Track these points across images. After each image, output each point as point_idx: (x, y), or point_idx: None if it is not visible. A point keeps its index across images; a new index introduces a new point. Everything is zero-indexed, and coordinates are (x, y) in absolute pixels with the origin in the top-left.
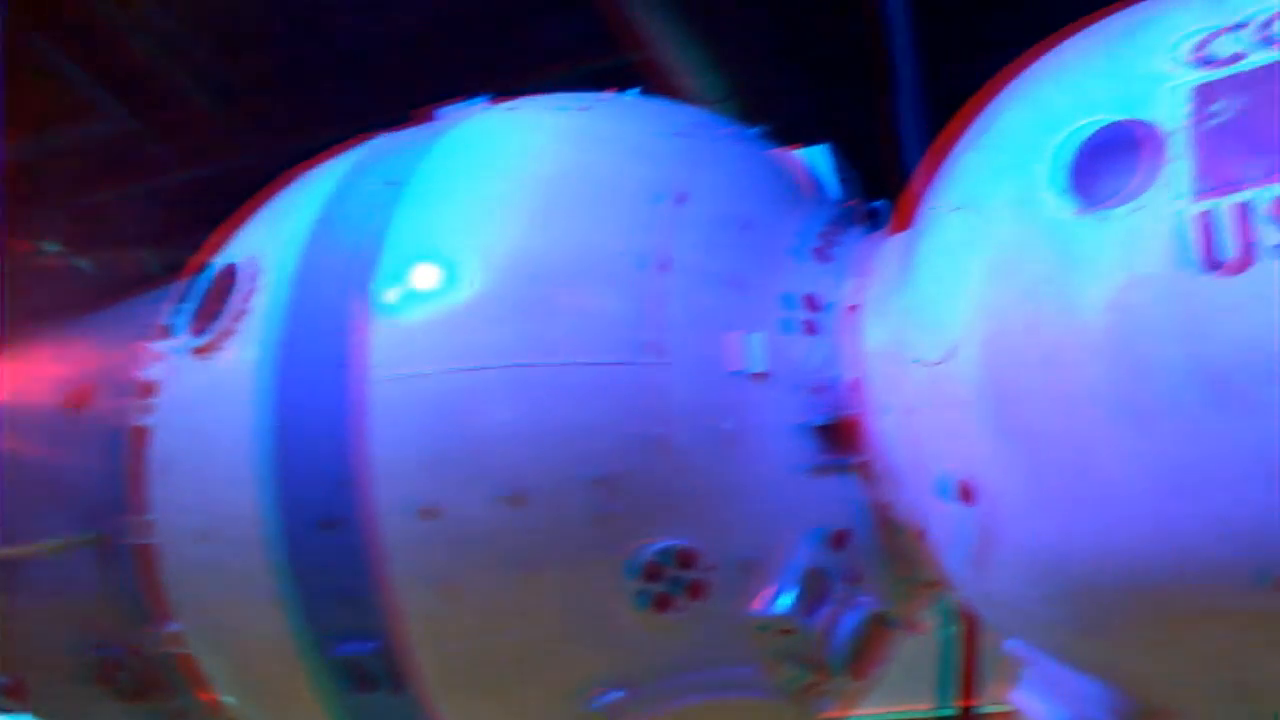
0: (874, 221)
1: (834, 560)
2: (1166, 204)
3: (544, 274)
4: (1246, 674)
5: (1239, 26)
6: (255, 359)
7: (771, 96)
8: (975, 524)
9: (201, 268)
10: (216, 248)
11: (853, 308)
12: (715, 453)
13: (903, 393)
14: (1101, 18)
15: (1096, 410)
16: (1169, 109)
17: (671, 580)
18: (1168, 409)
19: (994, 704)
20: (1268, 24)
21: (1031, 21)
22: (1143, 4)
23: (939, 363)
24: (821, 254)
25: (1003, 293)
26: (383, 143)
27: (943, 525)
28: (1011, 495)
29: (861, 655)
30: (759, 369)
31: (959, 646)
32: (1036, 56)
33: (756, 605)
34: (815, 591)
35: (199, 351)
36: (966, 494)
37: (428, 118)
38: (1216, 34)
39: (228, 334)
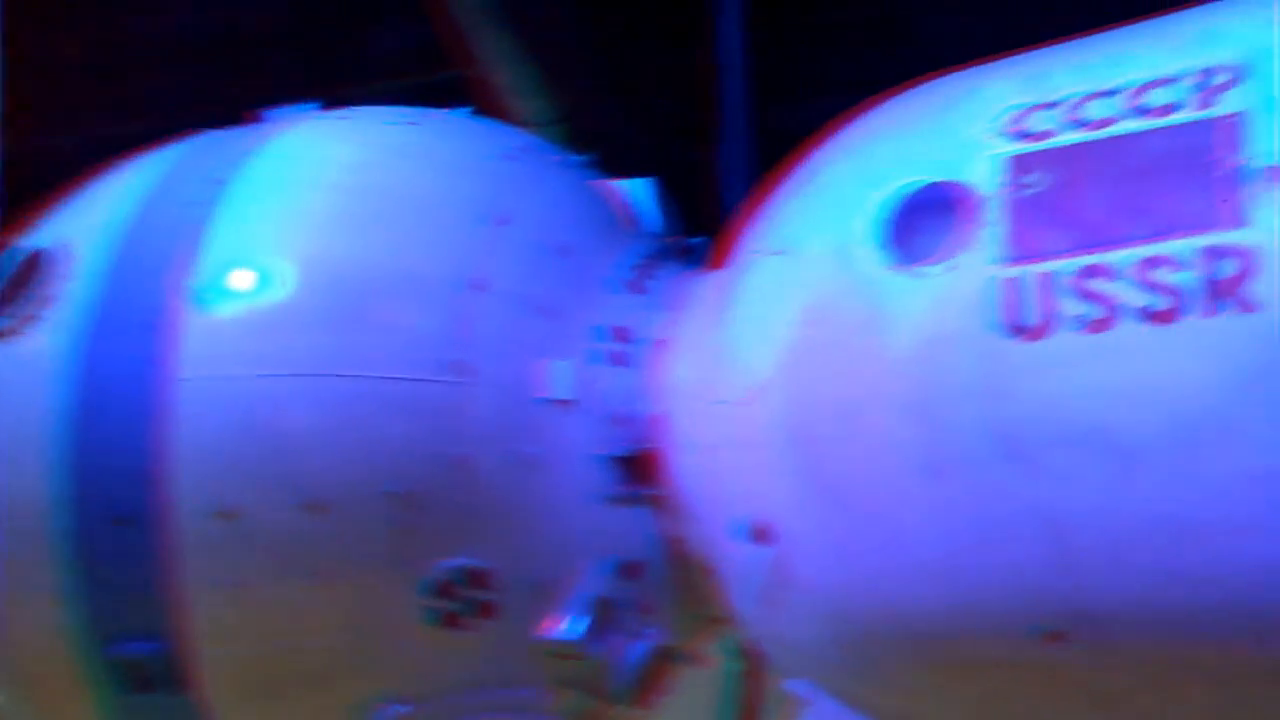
0: (691, 258)
1: (625, 590)
2: (978, 267)
3: (358, 286)
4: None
5: (1053, 105)
6: (60, 346)
7: (599, 125)
8: (767, 565)
9: (6, 251)
10: (21, 231)
11: (663, 342)
12: (514, 476)
13: (705, 431)
14: (934, 77)
15: (894, 461)
16: (986, 176)
17: (463, 599)
18: (962, 464)
19: None
20: (1078, 105)
21: (865, 67)
22: (968, 72)
23: (744, 403)
24: (636, 286)
25: (812, 340)
26: (208, 141)
27: (735, 563)
28: (805, 539)
29: (645, 686)
30: (564, 396)
31: (742, 683)
32: (865, 107)
33: (545, 630)
34: (604, 620)
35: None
36: (761, 535)
37: (256, 119)
38: (1033, 109)
39: (31, 319)
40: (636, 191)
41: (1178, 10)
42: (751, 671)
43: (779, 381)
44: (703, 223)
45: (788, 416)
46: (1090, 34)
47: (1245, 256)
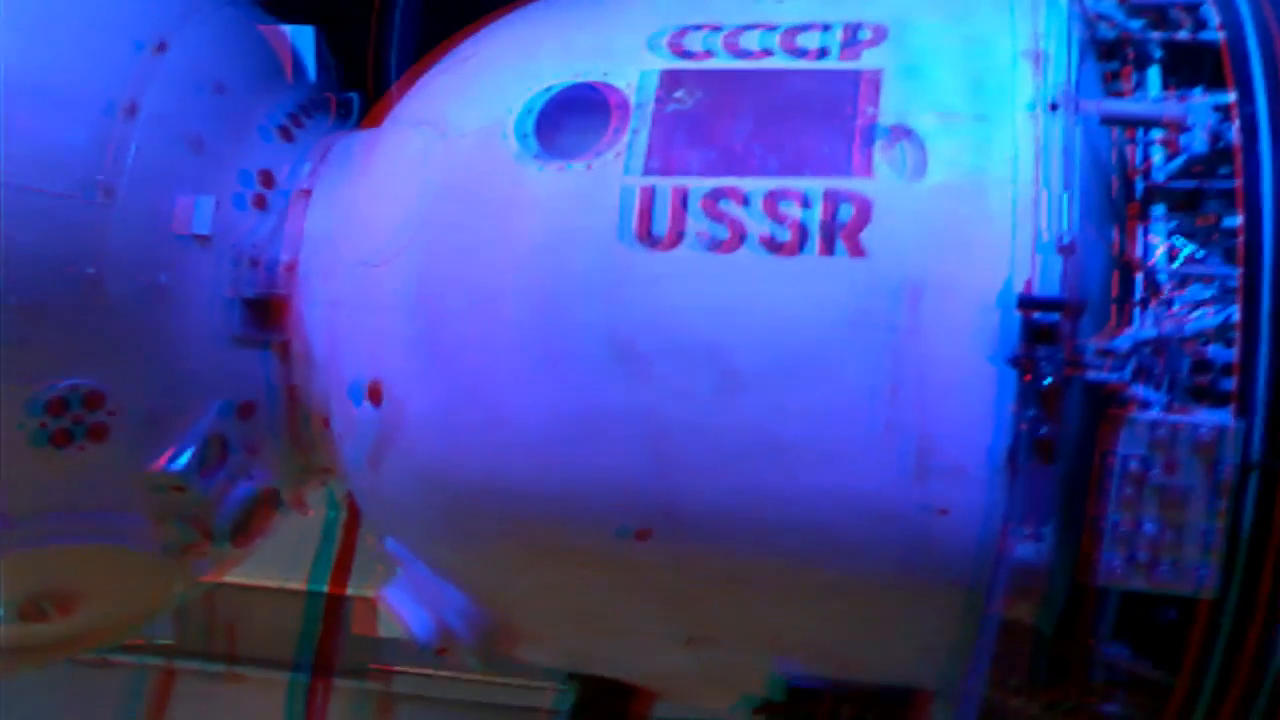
0: (345, 113)
1: (237, 430)
2: (616, 173)
3: (14, 95)
4: (591, 608)
5: (715, 28)
6: None
7: None
8: (378, 426)
9: None
10: None
11: (305, 193)
12: (143, 303)
13: (334, 286)
14: None
15: (513, 346)
16: (639, 85)
17: (74, 419)
18: (576, 360)
19: (362, 592)
20: (736, 33)
21: None
22: None
23: (375, 267)
24: (287, 134)
25: (450, 216)
26: None
27: (348, 420)
28: (418, 407)
29: (247, 526)
30: (202, 232)
31: (340, 533)
32: None
33: (154, 460)
34: (213, 457)
35: None
36: (375, 396)
37: None
38: (694, 29)
39: None
40: (299, 39)
41: None
42: (349, 525)
43: (412, 251)
44: (360, 79)
45: (416, 286)
46: None
47: (864, 205)
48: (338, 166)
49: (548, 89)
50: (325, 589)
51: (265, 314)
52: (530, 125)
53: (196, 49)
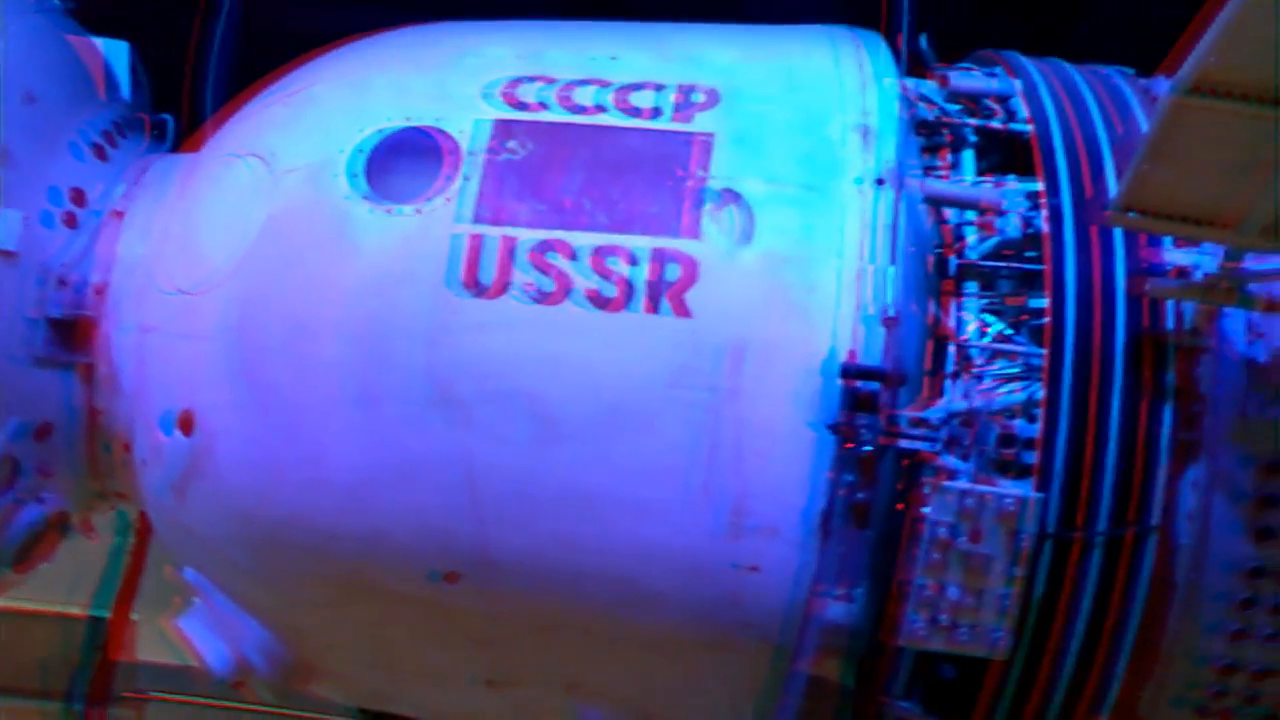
0: (159, 135)
1: (31, 451)
2: (446, 219)
3: None
4: (396, 648)
5: (550, 81)
6: None
7: None
8: (188, 456)
9: None
10: None
11: (118, 214)
12: None
13: (147, 312)
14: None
15: (331, 385)
16: (471, 133)
17: None
18: (395, 402)
19: (145, 619)
20: (570, 88)
21: None
22: (474, 25)
23: (191, 294)
24: (100, 152)
25: (274, 250)
26: None
27: (154, 448)
28: (231, 439)
29: (31, 550)
30: (7, 248)
31: (127, 559)
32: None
33: None
34: (3, 478)
35: None
36: (186, 425)
37: None
38: (528, 80)
39: None
40: (112, 54)
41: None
42: (138, 551)
43: (234, 282)
44: (178, 101)
45: (237, 318)
46: (594, 21)
47: (691, 266)
48: (154, 190)
49: (380, 130)
50: (106, 615)
51: (70, 335)
52: (361, 165)
53: (3, 55)
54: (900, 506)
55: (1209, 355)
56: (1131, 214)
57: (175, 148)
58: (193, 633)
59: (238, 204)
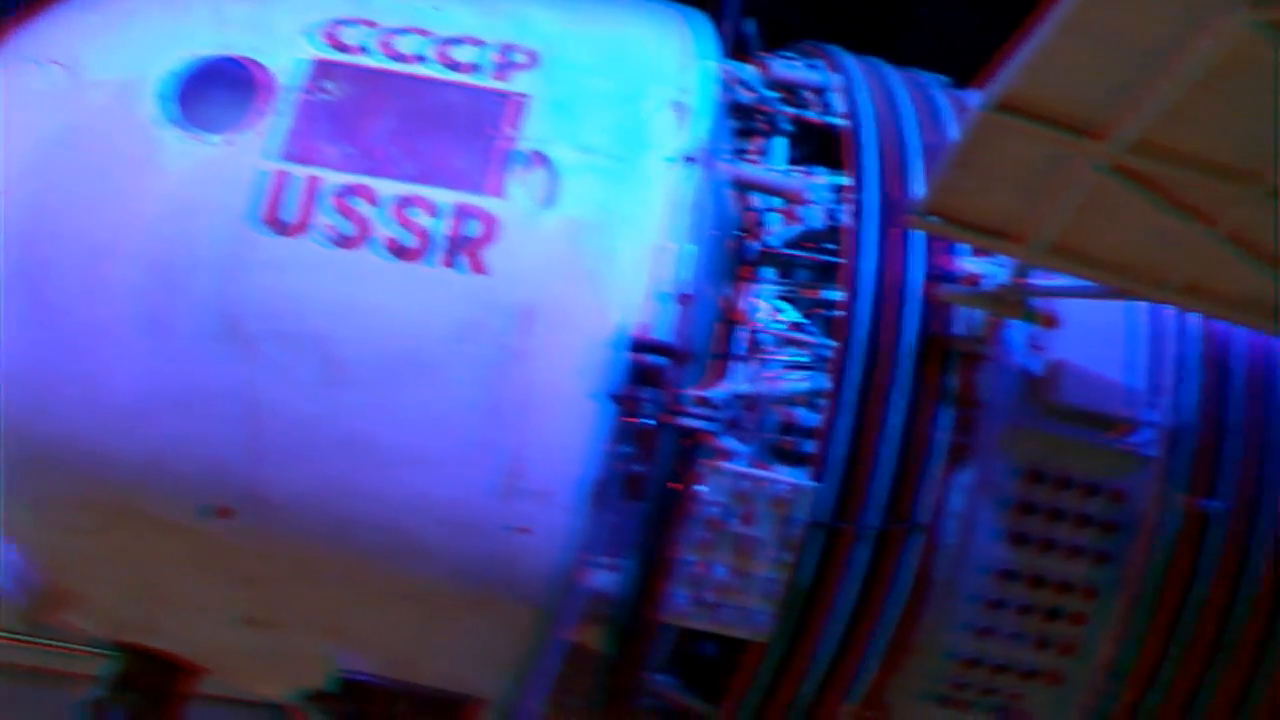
0: None
1: None
2: (253, 153)
3: None
4: (158, 580)
5: (373, 26)
6: None
7: None
8: None
9: None
10: None
11: None
12: None
13: None
14: None
15: (120, 307)
16: (289, 69)
17: None
18: (182, 331)
19: None
20: (392, 34)
21: None
22: None
23: None
24: None
25: (70, 165)
26: None
27: None
28: (6, 354)
29: None
30: None
31: None
32: None
33: None
34: None
35: None
36: None
37: None
38: (351, 22)
39: None
40: None
41: None
42: None
43: (20, 193)
44: None
45: (21, 231)
46: None
47: (492, 224)
48: None
49: (196, 55)
50: None
51: None
52: (172, 89)
53: None
54: (677, 485)
55: (990, 364)
56: (933, 219)
57: None
58: None
59: (31, 113)
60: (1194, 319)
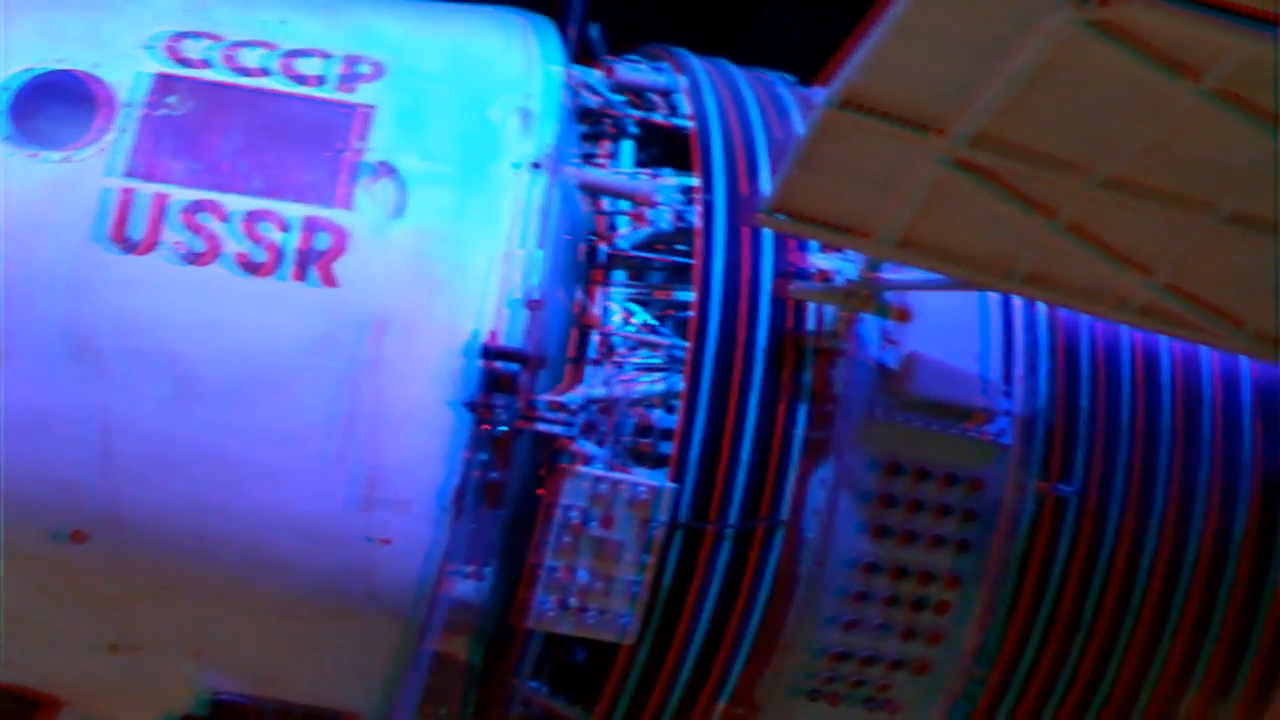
0: None
1: None
2: (97, 171)
3: None
4: (14, 610)
5: (216, 39)
6: None
7: None
8: None
9: None
10: None
11: None
12: None
13: None
14: None
15: None
16: (131, 85)
17: None
18: (29, 353)
19: None
20: (235, 48)
21: None
22: None
23: None
24: None
25: None
26: None
27: None
28: None
29: None
30: None
31: None
32: None
33: None
34: None
35: None
36: None
37: None
38: (193, 36)
39: None
40: None
41: None
42: None
43: None
44: None
45: None
46: None
47: (341, 236)
48: None
49: (29, 69)
50: None
51: None
52: (5, 104)
53: None
54: (539, 490)
55: (844, 359)
56: (781, 216)
57: None
58: None
59: None
60: (1042, 308)
